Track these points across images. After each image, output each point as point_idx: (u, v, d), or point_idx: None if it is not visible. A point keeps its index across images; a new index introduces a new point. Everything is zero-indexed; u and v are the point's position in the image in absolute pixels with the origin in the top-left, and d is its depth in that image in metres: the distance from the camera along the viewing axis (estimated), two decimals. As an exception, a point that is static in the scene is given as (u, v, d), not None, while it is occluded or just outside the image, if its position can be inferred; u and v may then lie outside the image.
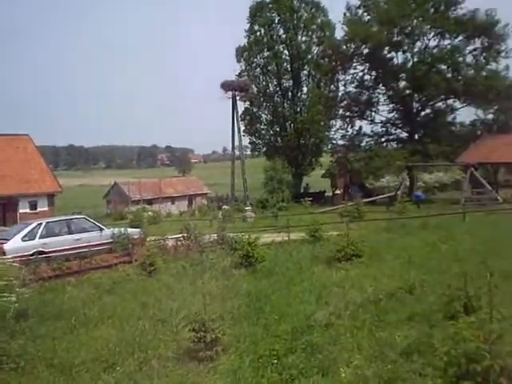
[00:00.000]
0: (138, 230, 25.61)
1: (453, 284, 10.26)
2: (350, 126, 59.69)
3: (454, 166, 52.56)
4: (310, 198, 48.60)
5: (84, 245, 21.62)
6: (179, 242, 22.95)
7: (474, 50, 54.18)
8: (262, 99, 66.69)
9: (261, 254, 18.55)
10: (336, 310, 12.08)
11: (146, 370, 10.16)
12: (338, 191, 59.39)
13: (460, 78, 51.97)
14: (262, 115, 68.84)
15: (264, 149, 69.79)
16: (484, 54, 53.73)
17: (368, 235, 22.24)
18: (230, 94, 54.97)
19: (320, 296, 13.49)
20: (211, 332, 10.55)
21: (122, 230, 23.04)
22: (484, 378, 5.86)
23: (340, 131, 61.14)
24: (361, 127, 59.96)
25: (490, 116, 53.95)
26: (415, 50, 55.65)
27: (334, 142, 62.75)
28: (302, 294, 13.82)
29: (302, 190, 64.35)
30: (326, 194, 62.76)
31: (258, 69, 66.83)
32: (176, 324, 12.49)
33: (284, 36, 65.98)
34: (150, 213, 47.74)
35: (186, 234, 23.13)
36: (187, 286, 15.75)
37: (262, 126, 69.00)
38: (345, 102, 59.12)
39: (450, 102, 56.03)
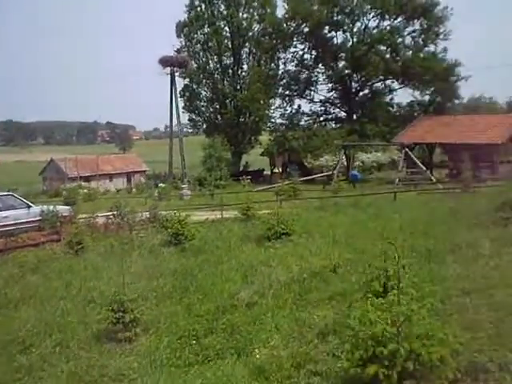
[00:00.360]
0: (67, 207, 24.94)
1: (375, 263, 10.24)
2: (289, 105, 59.66)
3: (391, 146, 53.33)
4: (249, 177, 48.34)
5: (11, 222, 20.82)
6: (110, 220, 22.44)
7: (413, 31, 54.65)
8: (201, 76, 65.79)
9: (191, 232, 18.39)
10: (260, 289, 12.03)
11: (62, 352, 9.89)
12: (276, 170, 59.49)
13: (398, 59, 52.42)
14: (202, 92, 67.94)
15: (204, 126, 69.10)
16: (423, 36, 54.16)
17: (300, 213, 22.25)
18: (168, 69, 54.21)
19: (246, 275, 13.40)
20: (130, 312, 10.32)
21: (51, 207, 22.30)
22: (391, 362, 5.77)
23: (279, 110, 61.09)
24: (300, 106, 59.98)
25: (427, 97, 54.52)
26: (355, 30, 55.74)
27: (273, 120, 62.64)
28: (228, 273, 13.74)
29: (241, 169, 64.05)
30: (265, 173, 62.74)
31: (199, 45, 65.73)
32: (99, 304, 12.23)
33: (225, 12, 65.00)
34: (85, 190, 46.79)
35: (116, 212, 22.61)
36: (114, 264, 15.43)
37: (201, 103, 68.17)
38: (284, 81, 58.98)
39: (388, 82, 56.56)
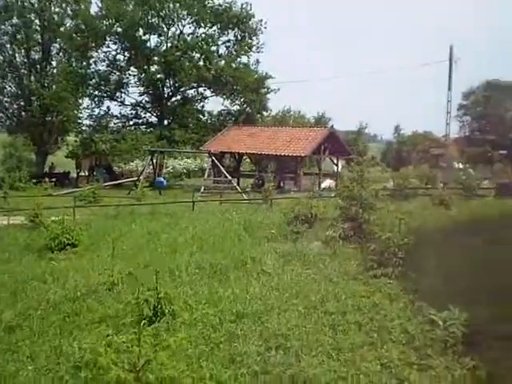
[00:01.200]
0: None
1: (150, 281, 9.40)
2: (97, 106, 57.23)
3: (204, 154, 53.26)
4: (54, 179, 45.68)
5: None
6: None
7: (228, 41, 55.25)
8: (6, 69, 61.14)
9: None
10: (26, 310, 10.63)
11: None
12: (83, 173, 56.91)
13: (211, 67, 52.42)
14: (7, 87, 63.17)
15: (7, 123, 64.27)
16: (236, 47, 54.92)
17: (94, 221, 20.95)
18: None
19: (14, 292, 11.88)
20: None
21: None
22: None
23: (87, 110, 58.45)
24: (109, 108, 57.76)
25: (238, 107, 55.30)
26: (170, 34, 54.97)
27: (80, 121, 59.90)
28: (-5, 291, 12.10)
29: (45, 170, 60.41)
30: (72, 176, 59.74)
31: (6, 37, 61.01)
32: None
33: (36, 5, 61.01)
34: None
35: None
36: None
37: (5, 99, 63.34)
38: (94, 81, 56.50)
39: (200, 90, 56.52)
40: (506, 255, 11.00)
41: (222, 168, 39.64)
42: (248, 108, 54.28)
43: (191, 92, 57.08)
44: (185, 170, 62.67)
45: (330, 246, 13.02)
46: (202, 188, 37.87)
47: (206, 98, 56.75)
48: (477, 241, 12.37)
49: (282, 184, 42.99)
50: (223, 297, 9.60)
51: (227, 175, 38.62)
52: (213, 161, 39.52)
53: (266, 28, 54.91)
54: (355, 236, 13.21)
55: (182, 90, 56.32)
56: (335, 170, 47.65)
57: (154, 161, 47.63)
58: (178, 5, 53.22)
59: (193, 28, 54.78)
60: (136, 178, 43.75)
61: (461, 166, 38.65)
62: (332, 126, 46.99)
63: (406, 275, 9.67)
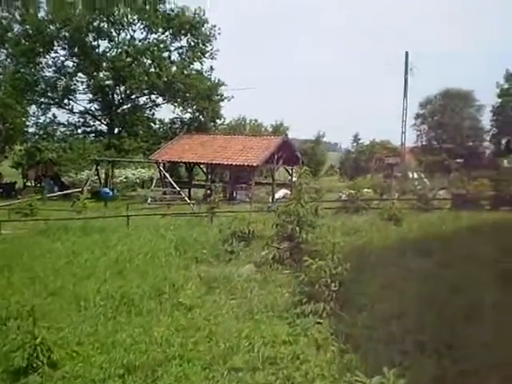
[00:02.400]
0: None
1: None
2: (44, 113, 54.79)
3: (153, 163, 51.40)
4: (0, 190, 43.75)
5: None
6: None
7: (181, 47, 53.69)
8: (-49, 75, 58.36)
9: None
10: None
11: None
12: (29, 183, 54.46)
13: (162, 74, 50.66)
14: (-49, 93, 60.31)
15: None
16: (189, 53, 53.37)
17: (18, 238, 19.17)
18: None
19: None
20: None
21: None
22: None
23: (33, 118, 55.96)
24: (55, 115, 55.27)
25: (189, 115, 53.73)
26: (120, 40, 52.93)
27: (26, 129, 57.30)
28: None
29: (-9, 180, 57.72)
30: (19, 186, 57.15)
31: (-49, 41, 58.25)
32: None
33: (-17, 10, 58.39)
34: None
35: None
36: None
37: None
38: (40, 87, 54.12)
39: (152, 97, 54.69)
40: (460, 281, 9.67)
41: (169, 178, 37.89)
42: (200, 116, 52.73)
43: (143, 99, 55.18)
44: (138, 180, 60.61)
45: (262, 271, 11.49)
46: (149, 199, 36.12)
47: (157, 105, 54.97)
48: (426, 264, 11.02)
49: (234, 194, 41.50)
50: (120, 340, 7.97)
51: (175, 186, 36.84)
52: (160, 171, 37.77)
53: (219, 34, 53.65)
54: (290, 259, 11.68)
55: (132, 97, 54.39)
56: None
57: (103, 170, 45.83)
58: (128, 9, 51.31)
59: (144, 33, 52.92)
60: (79, 189, 41.69)
61: (416, 175, 37.61)
62: (286, 135, 45.77)
63: (339, 313, 8.17)
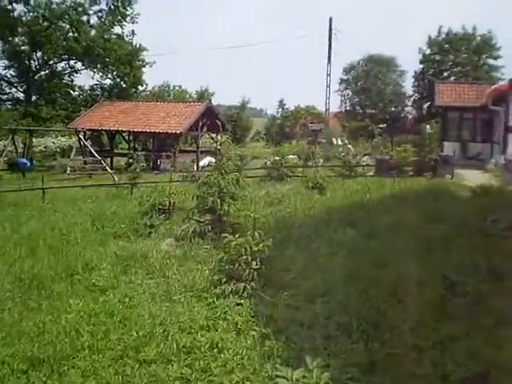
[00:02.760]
0: None
1: None
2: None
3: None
4: None
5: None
6: None
7: (100, 11, 51.72)
8: None
9: None
10: None
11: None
12: None
13: (81, 38, 48.68)
14: None
15: None
16: (109, 17, 51.42)
17: None
18: None
19: None
20: None
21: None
22: None
23: None
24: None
25: (109, 81, 51.98)
26: (36, 3, 50.31)
27: None
28: None
29: None
30: None
31: None
32: None
33: None
34: None
35: None
36: None
37: None
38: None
39: (71, 63, 52.53)
40: (385, 252, 9.43)
41: (89, 147, 36.46)
42: (122, 82, 51.07)
43: (61, 65, 52.96)
44: (58, 149, 58.39)
45: (181, 246, 10.92)
46: (68, 169, 34.70)
47: (76, 71, 52.89)
48: (350, 236, 10.73)
49: (158, 163, 40.52)
50: (27, 329, 7.28)
51: (96, 155, 35.44)
52: (80, 139, 36.28)
53: (140, -3, 52.06)
54: (212, 232, 11.15)
55: (50, 63, 52.06)
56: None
57: (20, 140, 43.78)
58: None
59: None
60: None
61: (340, 142, 37.56)
62: (209, 101, 44.82)
63: (260, 294, 7.72)
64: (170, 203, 14.37)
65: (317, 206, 13.89)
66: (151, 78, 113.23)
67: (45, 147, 55.82)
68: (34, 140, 49.13)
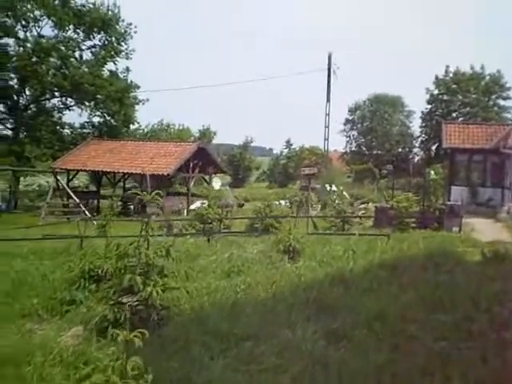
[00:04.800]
0: None
1: None
2: None
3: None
4: None
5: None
6: None
7: (94, 46, 49.68)
8: None
9: None
10: None
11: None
12: None
13: (71, 74, 46.34)
14: None
15: None
16: (102, 52, 49.35)
17: None
18: None
19: None
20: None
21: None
22: None
23: None
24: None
25: (100, 119, 49.61)
26: (27, 37, 48.16)
27: None
28: None
29: None
30: None
31: None
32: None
33: None
34: None
35: None
36: None
37: None
38: None
39: (61, 99, 50.16)
40: (358, 371, 6.45)
41: (68, 188, 33.83)
42: (112, 120, 48.68)
43: (50, 101, 50.50)
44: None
45: (88, 340, 8.04)
46: (43, 213, 31.98)
47: (66, 108, 50.40)
48: (310, 339, 7.58)
49: (145, 206, 37.85)
50: None
51: (74, 197, 32.77)
52: (57, 180, 33.68)
53: (135, 33, 49.99)
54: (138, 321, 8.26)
55: (40, 99, 49.63)
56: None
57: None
58: (36, 5, 46.74)
59: (54, 30, 48.24)
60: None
61: (334, 188, 34.49)
62: (200, 140, 42.54)
63: None
64: (103, 270, 11.37)
65: (283, 279, 10.76)
66: (152, 116, 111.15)
67: (38, 186, 53.56)
68: (26, 179, 46.93)
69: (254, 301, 9.32)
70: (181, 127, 72.85)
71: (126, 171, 37.77)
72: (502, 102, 58.94)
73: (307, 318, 8.14)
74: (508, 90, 58.39)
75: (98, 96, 46.25)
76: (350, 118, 69.34)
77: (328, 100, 44.13)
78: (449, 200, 27.77)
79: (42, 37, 47.86)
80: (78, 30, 48.79)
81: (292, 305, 8.84)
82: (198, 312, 8.68)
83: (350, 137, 69.39)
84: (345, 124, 69.05)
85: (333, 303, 8.85)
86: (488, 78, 58.65)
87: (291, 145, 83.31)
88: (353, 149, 69.40)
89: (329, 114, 44.50)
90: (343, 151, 71.66)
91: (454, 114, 57.84)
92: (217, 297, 9.59)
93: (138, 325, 8.26)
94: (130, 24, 49.85)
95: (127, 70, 50.51)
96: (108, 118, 48.86)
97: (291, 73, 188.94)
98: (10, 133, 49.57)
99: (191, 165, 38.19)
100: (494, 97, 58.78)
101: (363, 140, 68.27)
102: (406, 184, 40.77)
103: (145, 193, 9.19)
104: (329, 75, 43.86)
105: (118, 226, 23.97)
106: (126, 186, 44.55)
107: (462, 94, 58.13)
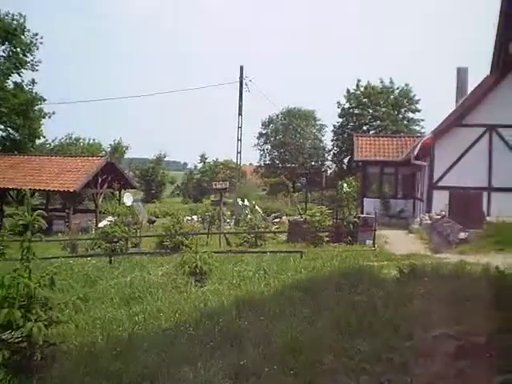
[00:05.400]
0: None
1: None
2: None
3: None
4: None
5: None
6: None
7: (-3, 57, 47.39)
8: None
9: None
10: None
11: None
12: None
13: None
14: None
15: None
16: (7, 64, 47.06)
17: None
18: None
19: None
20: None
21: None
22: None
23: None
24: None
25: (1, 133, 47.33)
26: None
27: None
28: None
29: None
30: None
31: None
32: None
33: None
34: None
35: None
36: None
37: None
38: None
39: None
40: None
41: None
42: (16, 134, 46.45)
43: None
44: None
45: None
46: None
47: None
48: None
49: (51, 224, 35.91)
50: None
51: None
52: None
53: (41, 43, 48.01)
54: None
55: None
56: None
57: None
58: None
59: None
60: None
61: (247, 203, 33.82)
62: (112, 155, 40.92)
63: None
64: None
65: (187, 306, 9.75)
66: (62, 130, 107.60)
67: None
68: None
69: (153, 333, 8.31)
70: (91, 141, 70.39)
71: (29, 188, 35.77)
72: (411, 115, 60.77)
73: (211, 353, 7.22)
74: (417, 102, 60.18)
75: (1, 109, 43.95)
76: (264, 131, 69.54)
77: (240, 114, 43.70)
78: (362, 212, 27.83)
79: None
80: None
81: (195, 337, 7.90)
82: (89, 349, 7.61)
83: (263, 150, 69.63)
84: (258, 138, 69.29)
85: (241, 333, 7.96)
86: (397, 91, 60.15)
87: (206, 159, 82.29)
88: (267, 162, 69.63)
89: (241, 127, 44.13)
90: (257, 164, 71.73)
91: (364, 128, 58.93)
92: (112, 329, 8.54)
93: (20, 365, 7.25)
94: (36, 34, 48.12)
95: (33, 82, 48.51)
96: (12, 131, 46.58)
97: (208, 84, 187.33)
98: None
99: (99, 180, 36.72)
100: (403, 110, 60.39)
101: (277, 153, 68.59)
102: (319, 197, 40.64)
103: (25, 213, 8.02)
104: (241, 88, 43.47)
105: (17, 247, 22.24)
106: (34, 203, 42.29)
107: (373, 107, 59.31)
